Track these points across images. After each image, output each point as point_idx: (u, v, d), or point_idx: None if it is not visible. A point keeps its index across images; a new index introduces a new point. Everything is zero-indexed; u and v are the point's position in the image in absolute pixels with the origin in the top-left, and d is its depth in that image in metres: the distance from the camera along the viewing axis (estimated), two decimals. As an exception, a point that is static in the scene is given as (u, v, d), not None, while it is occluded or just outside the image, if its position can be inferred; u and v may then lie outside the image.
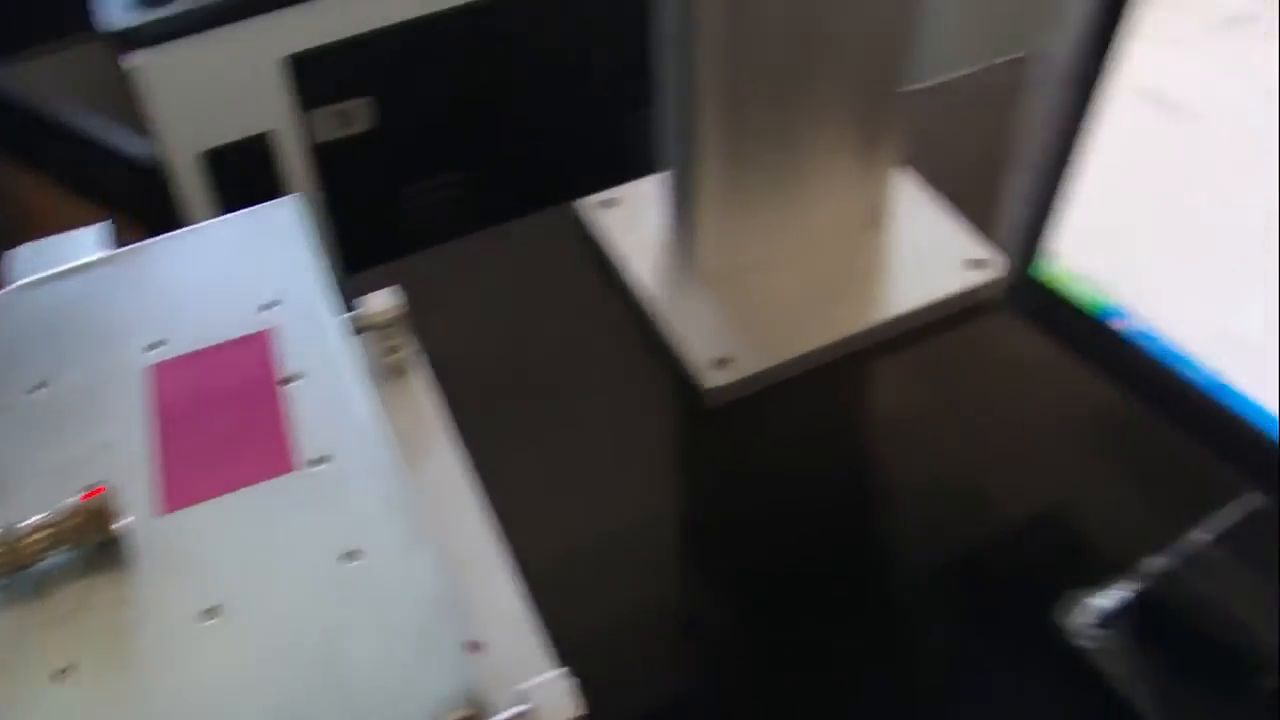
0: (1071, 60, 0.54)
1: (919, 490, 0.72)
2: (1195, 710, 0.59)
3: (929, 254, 0.82)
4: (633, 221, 0.86)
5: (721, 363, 0.75)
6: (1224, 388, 0.53)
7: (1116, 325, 0.57)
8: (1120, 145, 0.54)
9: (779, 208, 0.80)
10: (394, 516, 0.48)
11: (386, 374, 0.71)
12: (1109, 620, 0.62)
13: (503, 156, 1.37)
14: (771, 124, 0.75)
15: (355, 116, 1.26)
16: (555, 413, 0.76)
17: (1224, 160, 0.50)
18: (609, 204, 0.88)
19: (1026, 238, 0.60)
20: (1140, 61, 0.52)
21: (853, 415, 0.76)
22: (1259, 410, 0.52)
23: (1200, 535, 0.64)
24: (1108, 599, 0.63)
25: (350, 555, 0.47)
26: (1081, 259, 0.58)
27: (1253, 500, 0.64)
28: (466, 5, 1.24)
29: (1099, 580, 0.64)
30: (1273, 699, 0.59)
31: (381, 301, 0.69)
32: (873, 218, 0.85)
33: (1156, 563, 0.65)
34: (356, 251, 0.93)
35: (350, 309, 0.67)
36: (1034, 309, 0.61)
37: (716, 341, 0.77)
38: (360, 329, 0.67)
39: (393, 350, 0.70)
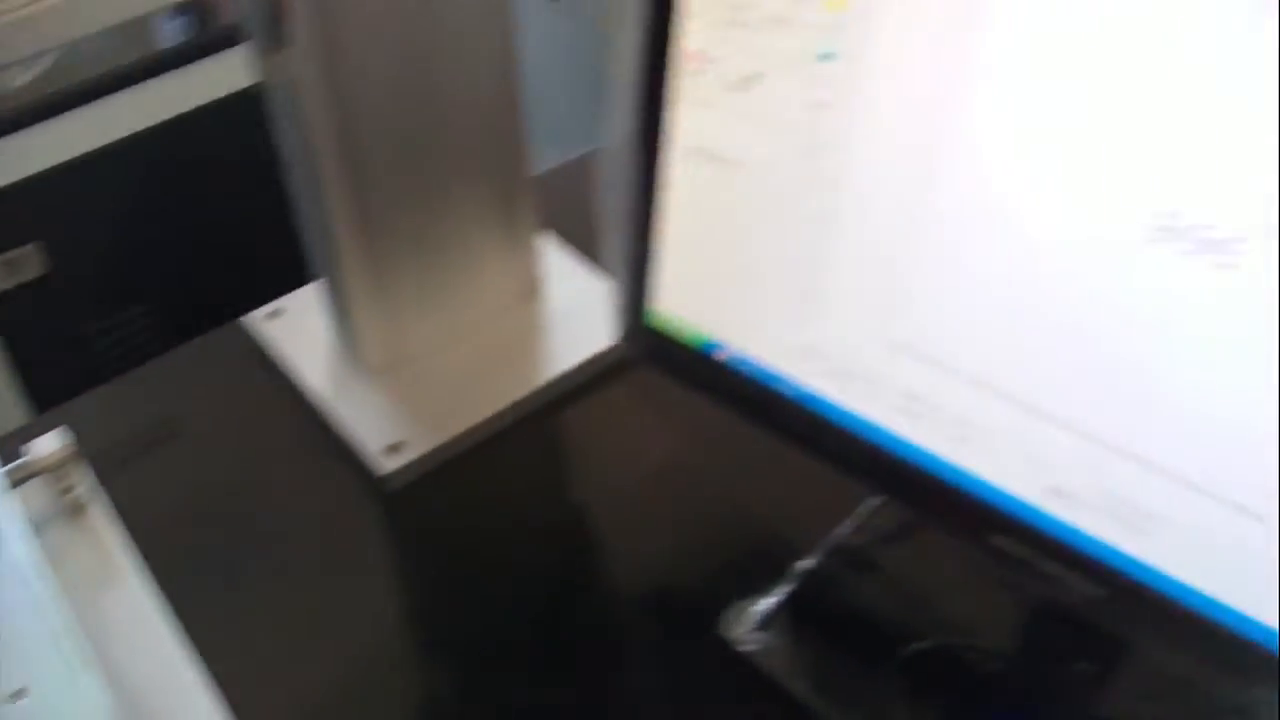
0: (632, 131, 0.60)
1: (597, 537, 0.77)
2: (850, 689, 0.66)
3: (583, 316, 0.88)
4: (299, 329, 0.89)
5: (394, 448, 0.79)
6: (815, 399, 0.60)
7: (719, 356, 0.64)
8: (689, 198, 0.60)
9: (431, 295, 0.84)
10: (57, 651, 0.50)
11: (64, 514, 0.72)
12: (766, 623, 0.68)
13: (183, 282, 1.37)
14: (407, 217, 0.79)
15: (24, 264, 1.25)
16: (241, 527, 0.78)
17: (766, 196, 0.56)
18: (275, 315, 0.91)
19: (632, 290, 0.65)
20: (686, 125, 0.58)
21: (526, 475, 0.81)
22: (852, 418, 0.59)
23: (840, 533, 0.71)
24: (763, 604, 0.69)
25: (16, 695, 0.48)
26: (680, 302, 0.64)
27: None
28: (122, 140, 1.26)
29: (758, 589, 0.70)
30: (916, 663, 0.66)
31: (48, 445, 0.71)
32: (526, 290, 0.91)
33: (804, 563, 0.71)
34: (50, 393, 0.93)
35: (19, 455, 0.69)
36: (650, 352, 0.67)
37: (387, 429, 0.80)
38: (29, 474, 0.69)
39: (67, 490, 0.72)
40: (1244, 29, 0.41)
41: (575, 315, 0.88)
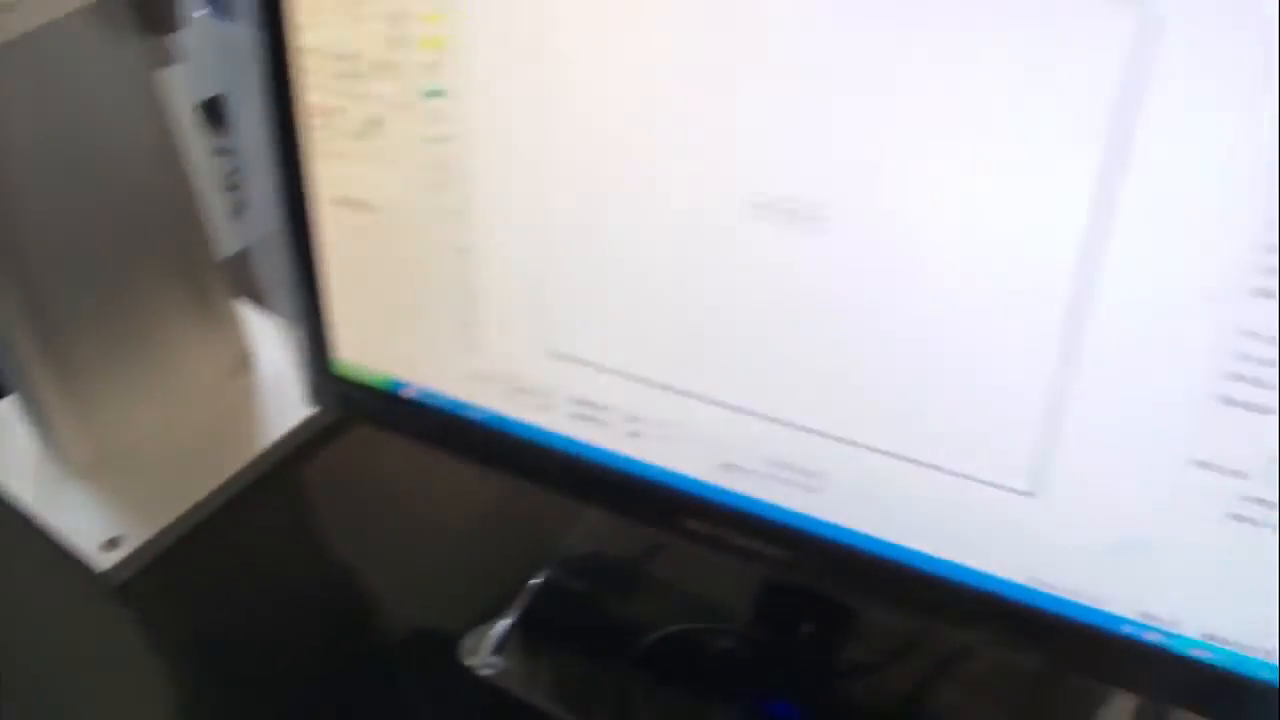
0: (278, 189, 0.61)
1: (333, 591, 0.78)
2: (591, 693, 0.68)
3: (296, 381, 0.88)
4: (2, 441, 0.86)
5: (112, 543, 0.78)
6: (502, 420, 0.62)
7: (406, 394, 0.65)
8: (343, 247, 0.61)
9: (129, 385, 0.83)
10: None
11: None
12: (501, 645, 0.70)
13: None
14: (87, 313, 0.78)
15: None
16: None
17: (408, 235, 0.58)
18: (-26, 430, 0.88)
19: (311, 344, 0.66)
20: (324, 176, 0.59)
21: (254, 546, 0.81)
22: (537, 432, 0.61)
23: (566, 544, 0.73)
24: (498, 626, 0.71)
25: None
26: (358, 348, 0.65)
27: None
28: None
29: (494, 613, 0.71)
30: (653, 655, 0.68)
31: None
32: (236, 365, 0.90)
33: (535, 580, 0.73)
34: None
35: None
36: (342, 403, 0.67)
37: (101, 525, 0.79)
38: None
39: None
40: (791, 18, 0.45)
41: (289, 382, 0.88)
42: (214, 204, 0.81)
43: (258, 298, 0.91)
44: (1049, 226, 0.43)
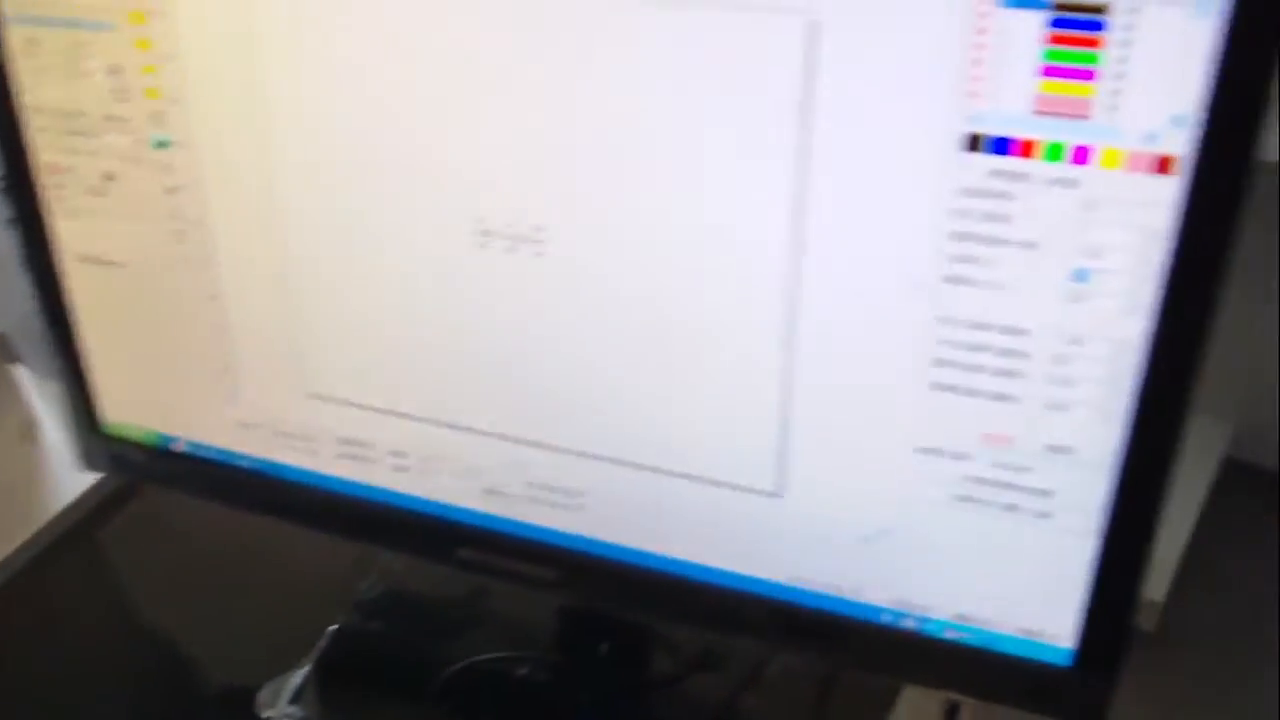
0: (21, 251, 0.60)
1: (134, 653, 0.76)
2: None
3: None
4: None
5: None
6: (274, 467, 0.61)
7: (177, 448, 0.64)
8: (93, 304, 0.60)
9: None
10: None
11: None
12: (298, 694, 0.69)
13: None
14: None
15: None
16: None
17: (154, 287, 0.58)
18: None
19: (76, 405, 0.65)
20: (65, 234, 0.59)
21: (50, 613, 0.79)
22: (308, 475, 0.61)
23: (359, 586, 0.73)
24: (296, 675, 0.70)
25: None
26: (123, 406, 0.64)
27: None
28: None
29: (291, 662, 0.71)
30: (453, 687, 0.68)
31: None
32: (22, 432, 0.88)
33: (331, 626, 0.72)
34: None
35: None
36: (114, 462, 0.66)
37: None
38: None
39: None
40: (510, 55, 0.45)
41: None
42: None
43: (31, 363, 0.89)
44: (755, 232, 0.45)
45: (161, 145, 0.54)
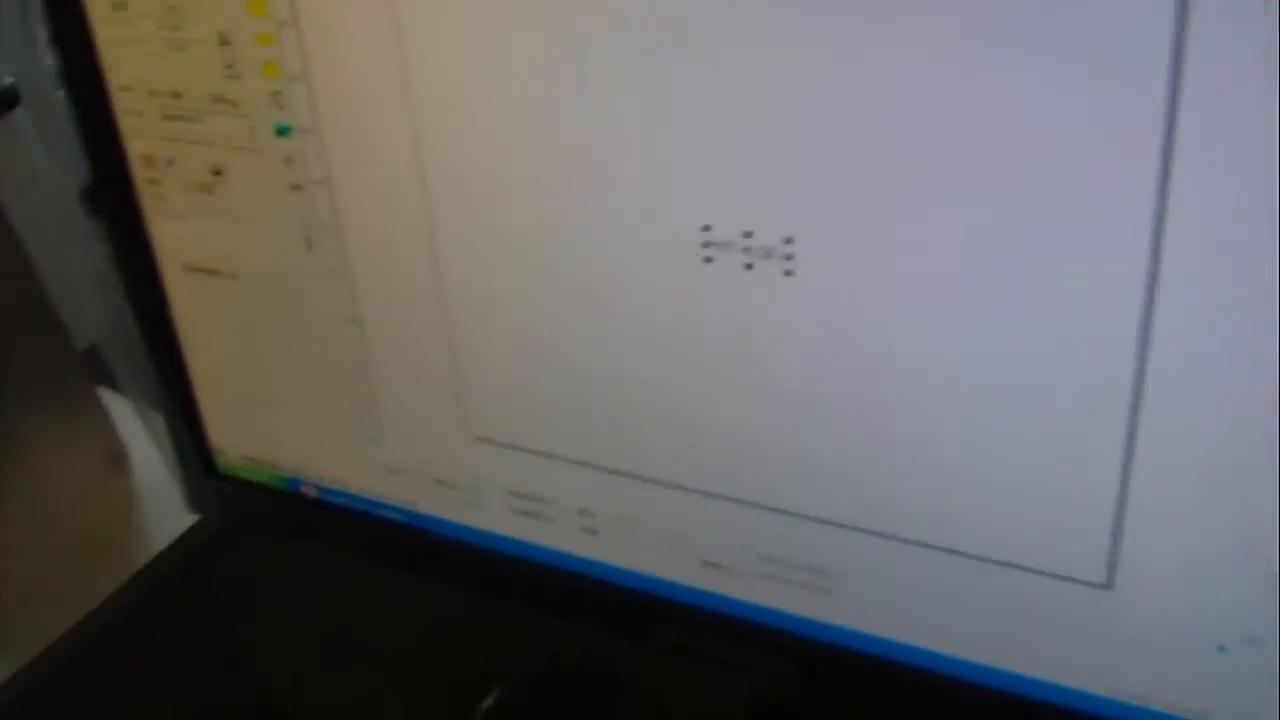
0: (115, 262, 0.49)
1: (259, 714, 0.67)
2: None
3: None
4: None
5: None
6: (426, 519, 0.50)
7: (306, 493, 0.53)
8: (202, 323, 0.50)
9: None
10: None
11: None
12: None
13: None
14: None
15: None
16: None
17: (277, 303, 0.47)
18: None
19: (185, 441, 0.54)
20: (166, 241, 0.47)
21: (152, 674, 0.69)
22: (470, 532, 0.50)
23: (519, 661, 0.62)
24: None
25: None
26: (240, 442, 0.53)
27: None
28: None
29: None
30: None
31: None
32: (112, 464, 0.78)
33: (487, 701, 0.61)
34: None
35: None
36: (228, 507, 0.56)
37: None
38: None
39: None
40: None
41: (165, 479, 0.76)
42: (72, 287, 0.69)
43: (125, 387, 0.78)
44: (1108, 272, 0.31)
45: (282, 133, 0.42)
